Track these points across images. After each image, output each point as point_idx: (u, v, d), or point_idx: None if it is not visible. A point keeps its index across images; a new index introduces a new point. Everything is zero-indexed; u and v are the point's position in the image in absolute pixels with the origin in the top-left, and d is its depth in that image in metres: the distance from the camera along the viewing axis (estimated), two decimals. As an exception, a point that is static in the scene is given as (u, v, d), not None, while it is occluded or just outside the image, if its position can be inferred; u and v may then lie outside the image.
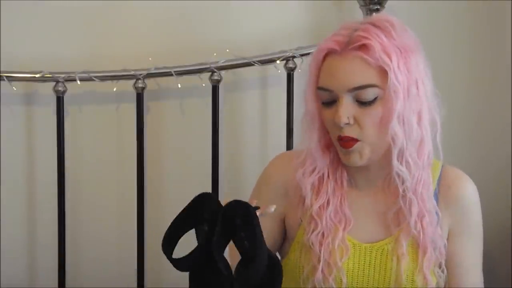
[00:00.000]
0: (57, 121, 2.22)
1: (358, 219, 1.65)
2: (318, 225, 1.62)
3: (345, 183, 1.66)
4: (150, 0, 2.29)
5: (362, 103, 1.54)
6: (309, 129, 1.64)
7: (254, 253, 1.39)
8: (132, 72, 2.23)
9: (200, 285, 1.46)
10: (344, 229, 1.63)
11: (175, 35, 2.32)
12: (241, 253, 1.41)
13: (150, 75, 2.24)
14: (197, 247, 1.43)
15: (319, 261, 1.61)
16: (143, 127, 2.26)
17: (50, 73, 2.19)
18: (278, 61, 2.28)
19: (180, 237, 1.45)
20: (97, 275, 2.35)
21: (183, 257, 1.43)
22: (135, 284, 2.29)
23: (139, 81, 2.23)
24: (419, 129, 1.58)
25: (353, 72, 1.54)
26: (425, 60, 1.61)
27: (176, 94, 2.32)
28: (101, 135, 2.33)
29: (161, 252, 1.48)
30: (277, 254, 1.74)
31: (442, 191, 1.67)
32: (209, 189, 2.24)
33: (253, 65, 2.26)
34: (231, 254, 1.47)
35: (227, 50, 2.27)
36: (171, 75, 2.23)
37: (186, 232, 1.45)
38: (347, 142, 1.57)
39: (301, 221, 1.66)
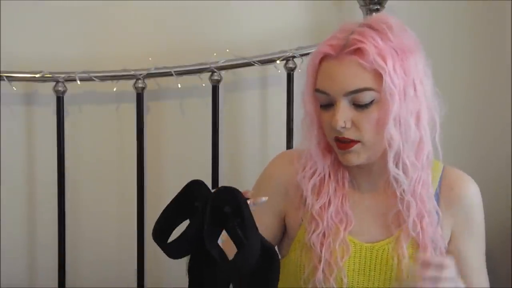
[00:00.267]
0: (57, 121, 2.22)
1: (359, 219, 1.65)
2: (319, 225, 1.63)
3: (346, 184, 1.66)
4: (150, 0, 2.29)
5: (359, 106, 1.55)
6: (308, 132, 1.65)
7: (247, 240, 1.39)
8: (132, 72, 2.23)
9: (198, 276, 1.46)
10: (345, 229, 1.63)
11: (175, 35, 2.32)
12: (235, 243, 1.41)
13: (150, 75, 2.24)
14: (183, 232, 1.42)
15: (320, 261, 1.61)
16: (143, 127, 2.26)
17: (50, 73, 2.19)
18: (278, 61, 2.28)
19: (173, 228, 1.45)
20: (97, 275, 2.35)
21: (172, 242, 1.43)
22: (135, 284, 2.29)
23: (139, 81, 2.23)
24: (417, 130, 1.58)
25: (349, 76, 1.54)
26: (425, 60, 1.61)
27: (176, 94, 2.32)
28: (101, 135, 2.33)
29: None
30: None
31: (444, 192, 1.67)
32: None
33: (253, 65, 2.26)
34: (227, 251, 1.48)
35: (227, 50, 2.27)
36: (171, 75, 2.23)
37: (180, 223, 1.45)
38: (344, 144, 1.57)
39: (302, 220, 1.67)
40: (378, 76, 1.54)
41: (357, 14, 2.30)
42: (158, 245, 1.45)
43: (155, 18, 2.31)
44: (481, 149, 2.51)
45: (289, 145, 2.30)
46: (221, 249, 1.43)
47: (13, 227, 2.30)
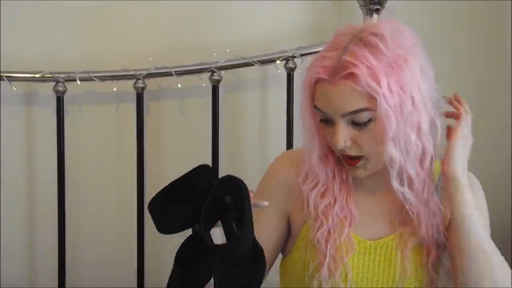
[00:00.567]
0: (57, 121, 2.22)
1: (362, 216, 1.65)
2: (324, 224, 1.63)
3: (350, 180, 1.66)
4: (150, 0, 2.29)
5: (357, 125, 1.55)
6: (309, 147, 1.65)
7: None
8: (132, 72, 2.23)
9: (184, 263, 1.46)
10: (349, 225, 1.64)
11: (175, 35, 2.32)
12: (227, 237, 1.41)
13: (150, 75, 2.24)
14: (179, 210, 1.43)
15: (325, 257, 1.61)
16: (143, 127, 2.26)
17: (50, 73, 2.19)
18: (278, 61, 2.28)
19: (171, 204, 1.44)
20: (97, 275, 2.35)
21: (166, 217, 1.43)
22: (135, 284, 2.29)
23: (139, 81, 2.23)
24: (419, 141, 1.58)
25: (344, 99, 1.53)
26: (423, 58, 1.59)
27: (176, 94, 2.32)
28: (101, 135, 2.33)
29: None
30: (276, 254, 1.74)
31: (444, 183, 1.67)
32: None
33: (253, 65, 2.26)
34: None
35: (227, 50, 2.27)
36: (171, 75, 2.23)
37: (179, 202, 1.44)
38: (350, 160, 1.59)
39: (306, 219, 1.67)
40: (373, 96, 1.53)
41: (357, 14, 2.30)
42: (152, 217, 1.45)
43: (155, 18, 2.31)
44: (481, 149, 2.50)
45: (289, 145, 2.30)
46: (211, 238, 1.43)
47: (13, 227, 2.30)
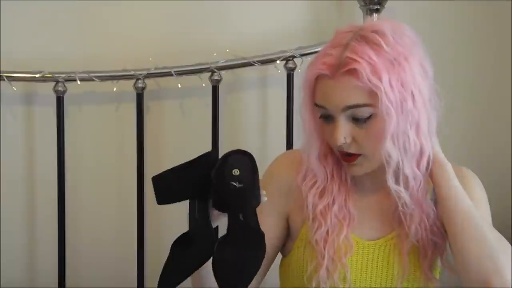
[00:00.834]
0: (57, 121, 2.22)
1: (361, 217, 1.65)
2: (323, 225, 1.63)
3: (349, 180, 1.66)
4: (150, 0, 2.29)
5: (358, 121, 1.55)
6: (308, 146, 1.65)
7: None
8: (132, 72, 2.23)
9: (183, 241, 1.49)
10: (348, 225, 1.63)
11: (175, 35, 2.32)
12: (229, 228, 1.45)
13: (150, 75, 2.24)
14: (183, 182, 1.47)
15: (323, 258, 1.61)
16: (143, 127, 2.26)
17: (50, 73, 2.19)
18: (278, 61, 2.28)
19: (175, 181, 1.47)
20: (97, 275, 2.35)
21: (167, 186, 1.47)
22: (135, 284, 2.29)
23: (139, 81, 2.23)
24: (417, 140, 1.57)
25: (345, 94, 1.54)
26: (422, 57, 1.59)
27: (176, 94, 2.32)
28: (101, 135, 2.33)
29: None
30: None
31: None
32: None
33: (253, 65, 2.26)
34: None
35: (227, 50, 2.27)
36: (171, 75, 2.23)
37: (183, 180, 1.47)
38: (348, 157, 1.59)
39: (305, 219, 1.67)
40: (374, 93, 1.53)
41: (357, 14, 2.30)
42: (153, 185, 1.48)
43: (155, 18, 2.31)
44: (481, 149, 2.51)
45: (289, 145, 2.30)
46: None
47: (13, 227, 2.30)
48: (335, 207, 1.64)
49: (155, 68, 2.23)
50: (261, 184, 1.73)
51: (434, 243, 1.63)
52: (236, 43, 2.31)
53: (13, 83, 2.18)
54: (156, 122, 2.33)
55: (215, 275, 1.47)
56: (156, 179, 1.49)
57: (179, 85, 2.27)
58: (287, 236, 1.72)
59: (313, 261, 1.63)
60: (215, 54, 2.26)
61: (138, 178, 2.26)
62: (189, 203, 1.49)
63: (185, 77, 2.26)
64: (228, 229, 1.48)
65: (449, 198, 1.57)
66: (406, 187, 1.60)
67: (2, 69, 2.18)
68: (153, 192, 2.31)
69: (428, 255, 1.63)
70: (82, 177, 2.32)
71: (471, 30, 2.48)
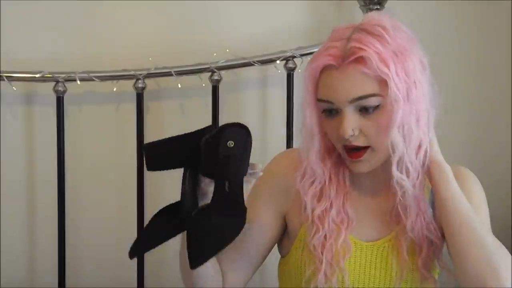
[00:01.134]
0: (57, 121, 2.22)
1: (359, 218, 1.65)
2: (320, 229, 1.62)
3: (347, 183, 1.66)
4: (150, 0, 2.29)
5: (365, 112, 1.54)
6: (308, 144, 1.64)
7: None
8: (132, 72, 2.23)
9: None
10: (346, 228, 1.63)
11: (175, 35, 2.32)
12: (212, 197, 1.46)
13: (150, 75, 2.24)
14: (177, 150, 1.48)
15: (321, 262, 1.61)
16: (143, 127, 2.26)
17: (50, 73, 2.19)
18: (278, 61, 2.28)
19: (169, 150, 1.48)
20: (97, 275, 2.35)
21: (158, 154, 1.48)
22: (135, 284, 2.29)
23: (139, 81, 2.23)
24: (418, 132, 1.58)
25: (353, 84, 1.53)
26: (420, 54, 1.60)
27: (176, 94, 2.32)
28: (101, 135, 2.33)
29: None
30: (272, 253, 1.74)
31: None
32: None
33: (253, 65, 2.26)
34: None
35: (227, 50, 2.27)
36: (171, 75, 2.24)
37: (177, 154, 1.48)
38: (355, 153, 1.57)
39: (303, 222, 1.66)
40: (382, 81, 1.53)
41: (357, 14, 2.30)
42: (144, 152, 1.49)
43: (155, 18, 2.31)
44: (481, 149, 2.51)
45: (289, 145, 2.30)
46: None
47: (13, 227, 2.30)
48: (333, 211, 1.63)
49: (155, 68, 2.23)
50: (258, 181, 1.74)
51: (429, 241, 1.63)
52: (236, 43, 2.31)
53: (13, 83, 2.18)
54: (156, 122, 2.33)
55: (187, 240, 1.48)
56: (147, 146, 1.49)
57: (179, 85, 2.27)
58: (285, 233, 1.72)
59: (311, 265, 1.62)
60: (215, 54, 2.26)
61: (138, 178, 2.26)
62: (183, 173, 1.49)
63: (185, 77, 2.26)
64: (212, 198, 1.48)
65: (447, 199, 1.57)
66: (407, 177, 1.60)
67: (2, 69, 2.18)
68: (153, 191, 2.33)
69: (423, 252, 1.62)
70: (82, 177, 2.32)
71: (471, 30, 2.48)
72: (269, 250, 1.72)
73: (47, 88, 2.21)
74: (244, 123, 1.48)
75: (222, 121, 2.29)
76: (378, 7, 2.26)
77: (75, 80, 2.20)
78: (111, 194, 2.35)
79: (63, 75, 2.19)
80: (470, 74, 2.50)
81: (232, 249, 1.59)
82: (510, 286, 1.51)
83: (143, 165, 2.25)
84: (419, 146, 1.59)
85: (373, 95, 1.53)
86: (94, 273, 2.35)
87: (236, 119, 2.35)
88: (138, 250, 1.54)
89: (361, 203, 1.66)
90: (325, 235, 1.62)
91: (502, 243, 1.57)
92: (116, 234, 2.35)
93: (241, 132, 1.46)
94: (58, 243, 2.24)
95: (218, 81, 2.26)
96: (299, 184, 1.65)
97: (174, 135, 1.51)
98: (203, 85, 2.27)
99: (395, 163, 1.57)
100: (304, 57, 2.25)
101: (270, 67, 2.30)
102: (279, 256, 1.74)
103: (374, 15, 1.67)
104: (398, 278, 1.62)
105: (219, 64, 2.25)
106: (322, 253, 1.61)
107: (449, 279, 1.65)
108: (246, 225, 1.52)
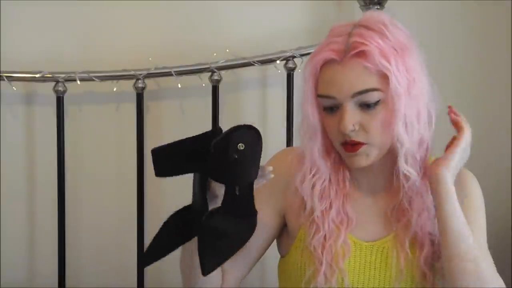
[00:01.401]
0: (57, 121, 2.22)
1: (359, 218, 1.65)
2: (320, 230, 1.63)
3: (347, 183, 1.66)
4: (150, 0, 2.29)
5: (366, 107, 1.55)
6: (310, 140, 1.64)
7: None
8: (132, 72, 2.23)
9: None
10: (346, 228, 1.63)
11: (175, 35, 2.32)
12: (222, 202, 1.45)
13: (150, 75, 2.24)
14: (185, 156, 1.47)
15: (321, 263, 1.61)
16: (143, 127, 2.26)
17: (50, 73, 2.19)
18: (278, 61, 2.28)
19: (176, 154, 1.47)
20: (97, 275, 2.35)
21: (167, 160, 1.47)
22: (135, 284, 2.29)
23: (139, 81, 2.23)
24: (419, 127, 1.59)
25: (354, 78, 1.54)
26: (419, 53, 1.60)
27: (176, 94, 2.32)
28: (101, 135, 2.33)
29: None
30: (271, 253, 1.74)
31: None
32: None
33: (253, 65, 2.26)
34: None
35: (227, 50, 2.27)
36: (171, 75, 2.23)
37: (183, 156, 1.46)
38: (352, 146, 1.57)
39: (303, 223, 1.66)
40: (383, 76, 1.54)
41: (357, 14, 2.30)
42: (152, 157, 1.48)
43: (155, 18, 2.31)
44: (481, 149, 2.51)
45: (289, 145, 2.30)
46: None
47: (13, 227, 2.30)
48: (333, 212, 1.63)
49: (155, 68, 2.23)
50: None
51: (431, 239, 1.63)
52: (236, 43, 2.31)
53: (13, 83, 2.18)
54: (156, 122, 2.33)
55: (198, 246, 1.46)
56: (155, 151, 1.48)
57: (179, 85, 2.27)
58: (284, 234, 1.72)
59: (311, 266, 1.63)
60: (215, 54, 2.26)
61: (138, 178, 2.26)
62: (193, 178, 1.48)
63: (185, 77, 2.26)
64: (222, 202, 1.46)
65: (441, 212, 1.57)
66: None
67: (2, 69, 2.18)
68: (153, 192, 2.33)
69: (425, 249, 1.62)
70: (82, 177, 2.32)
71: (471, 30, 2.48)
72: (267, 248, 1.72)
73: (47, 88, 2.21)
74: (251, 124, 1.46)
75: (222, 121, 2.30)
76: (378, 7, 2.27)
77: (75, 80, 2.20)
78: (111, 194, 2.34)
79: (63, 75, 2.19)
80: (470, 74, 2.50)
81: None
82: None
83: (143, 164, 2.26)
84: (420, 143, 1.60)
85: (375, 89, 1.54)
86: (94, 273, 2.35)
87: (236, 119, 2.38)
88: (151, 258, 1.53)
89: (361, 204, 1.66)
90: (325, 236, 1.62)
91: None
92: (116, 234, 2.35)
93: (251, 134, 1.44)
94: (58, 243, 2.24)
95: (218, 81, 2.26)
96: (299, 184, 1.65)
97: (177, 137, 1.50)
98: (203, 85, 2.27)
99: (402, 156, 1.57)
100: (304, 57, 2.25)
101: (270, 67, 2.30)
102: (279, 256, 1.75)
103: (373, 13, 1.68)
104: (398, 279, 1.62)
105: (219, 64, 2.25)
106: (322, 254, 1.61)
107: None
108: None
